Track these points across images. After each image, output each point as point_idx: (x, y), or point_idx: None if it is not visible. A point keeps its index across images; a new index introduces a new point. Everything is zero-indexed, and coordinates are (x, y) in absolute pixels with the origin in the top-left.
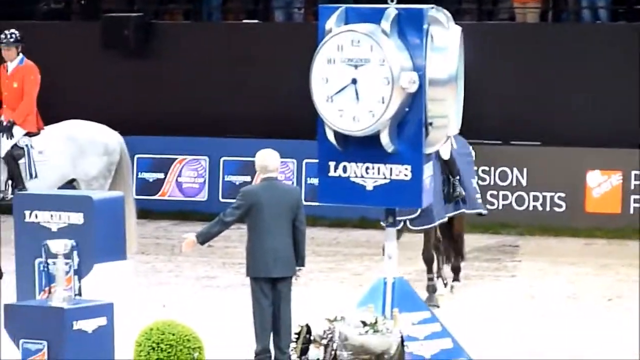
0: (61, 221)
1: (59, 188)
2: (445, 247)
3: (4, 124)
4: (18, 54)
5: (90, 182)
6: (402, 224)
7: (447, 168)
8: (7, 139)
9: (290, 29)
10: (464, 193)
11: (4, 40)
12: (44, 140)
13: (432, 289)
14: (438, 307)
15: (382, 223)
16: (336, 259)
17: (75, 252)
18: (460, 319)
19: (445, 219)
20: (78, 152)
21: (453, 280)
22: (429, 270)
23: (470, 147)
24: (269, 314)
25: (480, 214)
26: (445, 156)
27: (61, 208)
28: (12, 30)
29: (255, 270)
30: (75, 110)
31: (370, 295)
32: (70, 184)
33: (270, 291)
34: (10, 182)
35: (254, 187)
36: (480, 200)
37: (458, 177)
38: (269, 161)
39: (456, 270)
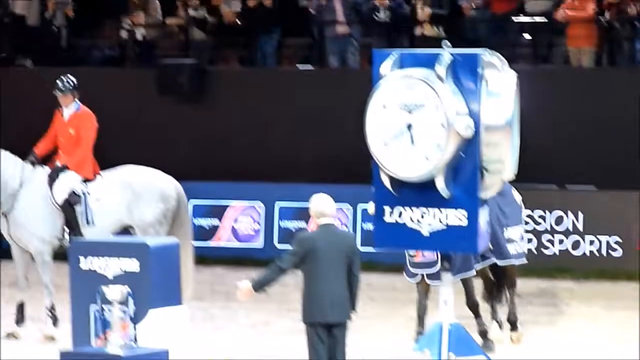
0: (117, 268)
1: (116, 234)
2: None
3: (57, 167)
4: (74, 101)
5: (146, 228)
6: (420, 276)
7: None
8: (58, 182)
9: (345, 74)
10: (490, 246)
11: (61, 87)
12: (100, 187)
13: (484, 334)
14: (493, 351)
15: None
16: (393, 305)
17: (130, 299)
18: None
19: (474, 273)
20: (134, 198)
21: (511, 330)
22: (477, 316)
23: (515, 194)
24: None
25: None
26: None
27: (117, 254)
28: (69, 77)
29: (311, 316)
30: (130, 156)
31: (427, 340)
32: (127, 231)
33: (326, 337)
34: (66, 229)
35: (310, 234)
36: (517, 250)
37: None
38: (325, 207)
39: (513, 321)
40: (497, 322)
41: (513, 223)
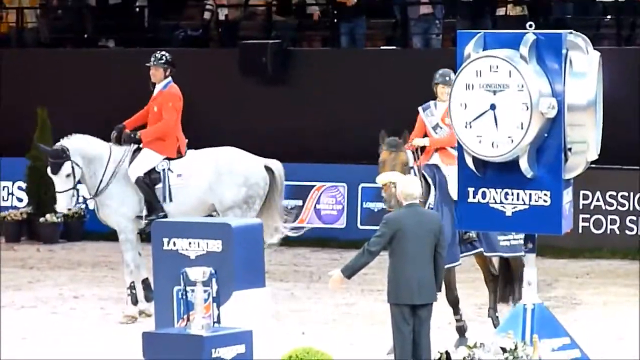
0: (200, 249)
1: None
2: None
3: (131, 135)
4: (166, 77)
5: (225, 212)
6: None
7: None
8: (135, 160)
9: (429, 55)
10: (474, 235)
11: (153, 61)
12: (184, 165)
13: (461, 331)
14: None
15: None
16: (474, 285)
17: (214, 280)
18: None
19: (459, 263)
20: (216, 179)
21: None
22: (456, 311)
23: None
24: (409, 341)
25: (502, 257)
26: (455, 197)
27: (200, 235)
28: (163, 52)
29: (397, 297)
30: (213, 137)
31: (510, 321)
32: (210, 214)
33: (411, 317)
34: (145, 207)
35: (397, 214)
36: (512, 243)
37: None
38: (412, 188)
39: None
40: (492, 318)
41: None
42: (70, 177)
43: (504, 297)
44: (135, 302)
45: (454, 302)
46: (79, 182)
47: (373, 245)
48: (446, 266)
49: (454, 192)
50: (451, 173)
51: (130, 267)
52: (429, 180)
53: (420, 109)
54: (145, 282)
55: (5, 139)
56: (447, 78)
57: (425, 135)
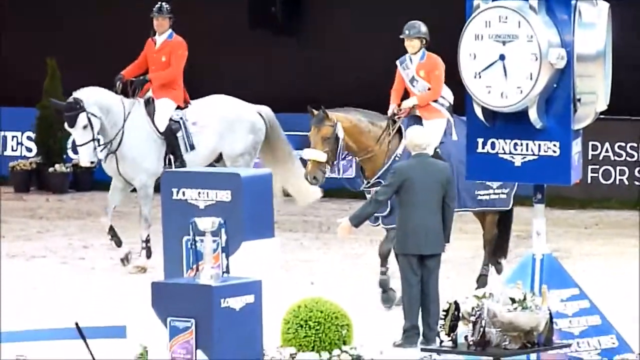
0: (209, 199)
1: (207, 166)
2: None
3: (140, 79)
4: (168, 28)
5: (236, 159)
6: (379, 220)
7: None
8: (151, 111)
9: (438, 4)
10: None
11: (159, 10)
12: (194, 113)
13: (383, 284)
14: (392, 302)
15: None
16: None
17: (223, 230)
18: None
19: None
20: (227, 127)
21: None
22: (382, 264)
23: None
24: (417, 291)
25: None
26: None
27: (209, 186)
28: (165, 3)
29: (405, 247)
30: (220, 88)
31: (519, 271)
32: (217, 163)
33: (419, 268)
34: (171, 156)
35: (405, 164)
36: (490, 197)
37: None
38: (418, 138)
39: (480, 281)
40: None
41: None
42: (87, 129)
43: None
44: (149, 255)
45: (384, 254)
46: (99, 133)
47: (381, 194)
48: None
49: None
50: (429, 125)
51: (148, 222)
52: (403, 132)
53: (397, 62)
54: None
55: (14, 89)
56: (409, 31)
57: (406, 90)
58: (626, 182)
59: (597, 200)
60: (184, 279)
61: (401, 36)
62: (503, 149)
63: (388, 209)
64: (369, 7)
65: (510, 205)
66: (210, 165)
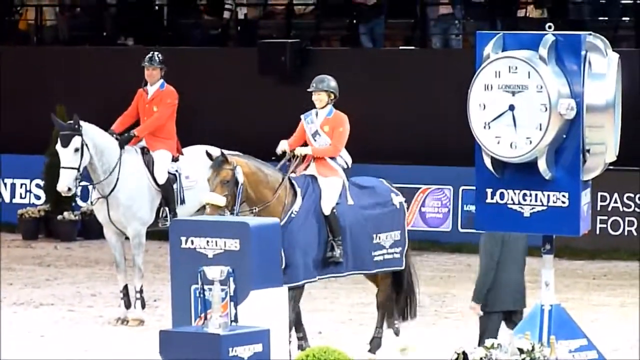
0: (217, 247)
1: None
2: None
3: (124, 135)
4: (160, 78)
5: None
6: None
7: (328, 225)
8: (149, 161)
9: (448, 55)
10: (340, 258)
11: (151, 60)
12: (186, 165)
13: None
14: None
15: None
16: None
17: (231, 279)
18: None
19: (315, 280)
20: None
21: (368, 351)
22: (297, 329)
23: (395, 197)
24: None
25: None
26: (326, 212)
27: (217, 234)
28: (157, 52)
29: (493, 305)
30: (230, 134)
31: (527, 322)
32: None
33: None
34: (166, 209)
35: None
36: (384, 257)
37: (340, 238)
38: None
39: (374, 343)
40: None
41: (386, 227)
42: (77, 154)
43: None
44: (143, 306)
45: (296, 320)
46: (85, 168)
47: (492, 262)
48: (302, 281)
49: (326, 206)
50: (326, 185)
51: (142, 271)
52: (297, 189)
53: (302, 116)
54: (126, 288)
55: (24, 137)
56: (317, 84)
57: (306, 143)
58: (635, 233)
59: (605, 251)
60: (192, 328)
61: (308, 90)
62: (512, 199)
63: (283, 266)
64: (372, 60)
65: (404, 265)
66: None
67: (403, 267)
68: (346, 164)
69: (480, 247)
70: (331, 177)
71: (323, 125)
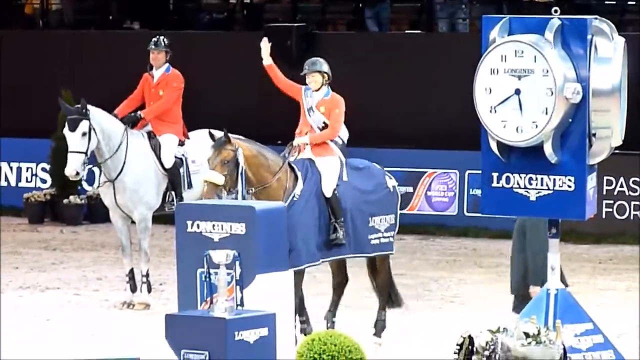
0: (223, 231)
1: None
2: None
3: (132, 115)
4: (165, 62)
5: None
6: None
7: (330, 207)
8: (155, 145)
9: (454, 39)
10: (343, 240)
11: (156, 43)
12: (192, 149)
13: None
14: None
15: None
16: (499, 270)
17: (237, 263)
18: None
19: (318, 263)
20: None
21: (373, 334)
22: (300, 313)
23: (389, 180)
24: None
25: (368, 257)
26: (327, 194)
27: (223, 218)
28: (162, 37)
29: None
30: (235, 119)
31: (533, 306)
32: None
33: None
34: (173, 193)
35: None
36: (381, 241)
37: (342, 219)
38: None
39: (378, 326)
40: (327, 321)
41: (381, 211)
42: (85, 138)
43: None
44: (149, 290)
45: (299, 304)
46: (92, 152)
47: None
48: (304, 265)
49: (327, 188)
50: (325, 167)
51: (148, 255)
52: (298, 173)
53: (302, 87)
54: (132, 271)
55: (29, 121)
56: (309, 67)
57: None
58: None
59: (611, 235)
60: (198, 312)
61: (302, 74)
62: (518, 183)
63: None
64: (378, 44)
65: (394, 250)
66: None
67: (394, 252)
68: (341, 140)
69: (527, 228)
70: (327, 157)
71: (319, 106)
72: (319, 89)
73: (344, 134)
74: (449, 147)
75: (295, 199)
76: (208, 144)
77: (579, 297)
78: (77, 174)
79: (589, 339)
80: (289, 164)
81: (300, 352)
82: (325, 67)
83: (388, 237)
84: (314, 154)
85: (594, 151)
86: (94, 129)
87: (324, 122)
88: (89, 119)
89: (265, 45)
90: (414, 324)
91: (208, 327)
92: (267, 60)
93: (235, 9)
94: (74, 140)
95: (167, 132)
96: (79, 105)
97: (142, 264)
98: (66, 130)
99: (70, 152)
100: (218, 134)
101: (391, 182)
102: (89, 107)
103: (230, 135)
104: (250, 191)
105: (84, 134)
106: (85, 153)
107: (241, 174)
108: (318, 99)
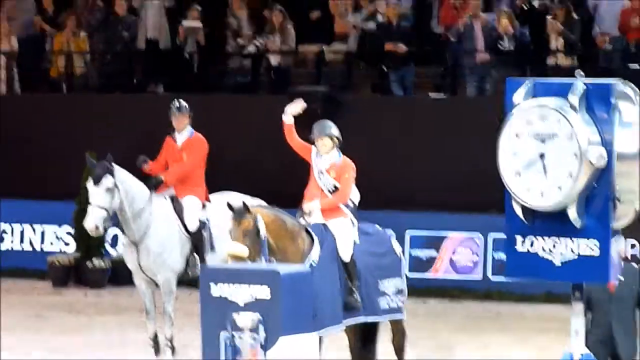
0: (248, 295)
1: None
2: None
3: (153, 180)
4: (187, 125)
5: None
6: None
7: (347, 271)
8: (178, 209)
9: (478, 102)
10: (359, 302)
11: (179, 108)
12: (214, 213)
13: None
14: None
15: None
16: (522, 334)
17: (261, 327)
18: None
19: (342, 327)
20: None
21: None
22: None
23: (395, 244)
24: None
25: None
26: (346, 259)
27: (248, 281)
28: (182, 100)
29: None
30: (263, 182)
31: None
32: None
33: None
34: (196, 256)
35: None
36: (390, 305)
37: (358, 283)
38: None
39: None
40: None
41: (389, 275)
42: (109, 195)
43: None
44: (173, 352)
45: None
46: (114, 212)
47: None
48: (328, 327)
49: (345, 254)
50: (339, 230)
51: (172, 319)
52: (314, 237)
53: (313, 148)
54: (156, 335)
55: (54, 184)
56: (319, 131)
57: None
58: None
59: None
60: None
61: (311, 136)
62: (542, 247)
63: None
64: (403, 108)
65: (404, 316)
66: None
67: (404, 317)
68: (352, 202)
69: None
70: (340, 218)
71: (329, 170)
72: (327, 152)
73: (354, 196)
74: (473, 210)
75: (313, 264)
76: (226, 211)
77: None
78: (97, 228)
79: None
80: (305, 228)
81: None
82: (334, 131)
83: (396, 301)
84: (325, 217)
85: (618, 215)
86: (117, 188)
87: (334, 186)
88: (113, 176)
89: (296, 106)
90: None
91: None
92: (289, 119)
93: (260, 72)
94: (97, 194)
95: (189, 194)
96: (106, 162)
97: (166, 328)
98: (89, 184)
99: (92, 205)
100: (237, 202)
101: (397, 247)
102: (115, 166)
103: (249, 200)
104: (272, 260)
105: (107, 190)
106: (107, 210)
107: (263, 242)
108: (328, 163)
